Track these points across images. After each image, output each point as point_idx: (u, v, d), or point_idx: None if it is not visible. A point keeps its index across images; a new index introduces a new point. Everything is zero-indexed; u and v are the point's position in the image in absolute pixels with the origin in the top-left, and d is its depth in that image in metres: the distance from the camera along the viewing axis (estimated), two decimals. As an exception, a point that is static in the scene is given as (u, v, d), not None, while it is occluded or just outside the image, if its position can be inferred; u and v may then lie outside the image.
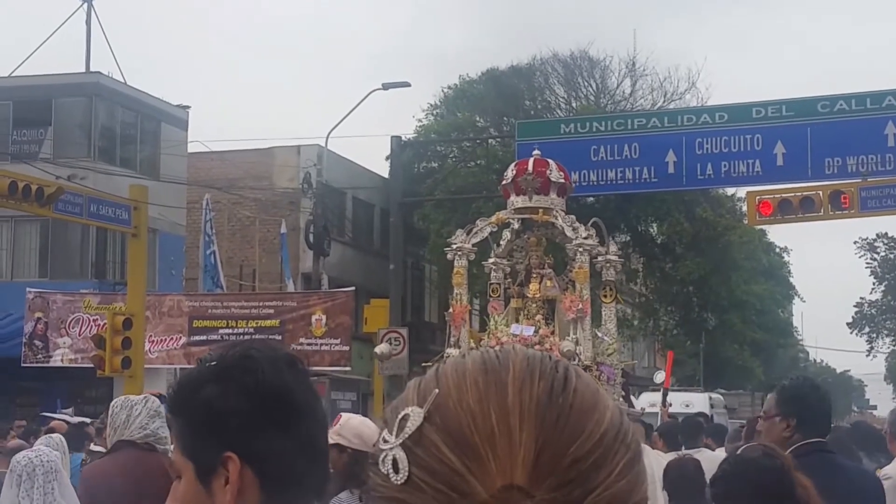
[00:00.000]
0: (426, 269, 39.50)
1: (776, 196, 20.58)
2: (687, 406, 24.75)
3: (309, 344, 25.51)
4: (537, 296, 13.52)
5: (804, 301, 60.78)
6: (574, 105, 39.59)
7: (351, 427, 5.58)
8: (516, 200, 13.68)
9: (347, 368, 25.83)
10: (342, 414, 5.94)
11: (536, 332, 13.00)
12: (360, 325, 28.31)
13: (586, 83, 40.68)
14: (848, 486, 4.81)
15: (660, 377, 22.68)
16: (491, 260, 14.31)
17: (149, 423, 5.46)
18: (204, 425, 2.05)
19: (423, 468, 1.06)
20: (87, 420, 14.75)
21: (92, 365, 20.21)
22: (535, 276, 13.68)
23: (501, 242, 14.32)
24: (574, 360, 12.54)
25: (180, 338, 26.49)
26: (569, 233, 13.50)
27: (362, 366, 28.86)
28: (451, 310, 14.00)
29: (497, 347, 1.18)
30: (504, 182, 13.96)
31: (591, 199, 33.30)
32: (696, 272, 38.81)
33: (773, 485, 3.75)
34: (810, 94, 24.12)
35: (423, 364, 17.12)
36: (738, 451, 4.34)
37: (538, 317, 13.33)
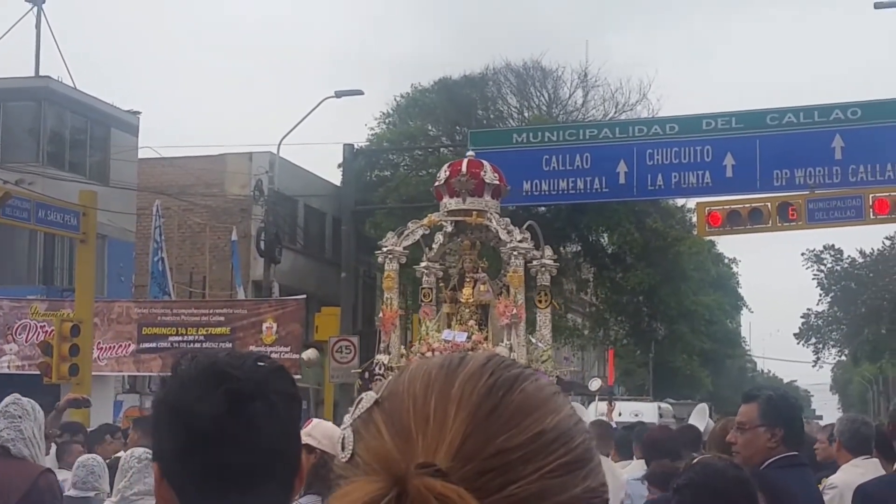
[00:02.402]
0: (378, 277, 39.44)
1: (725, 207, 20.78)
2: (636, 415, 24.89)
3: (259, 351, 25.39)
4: (470, 300, 13.17)
5: (752, 312, 61.41)
6: (526, 115, 39.73)
7: (322, 429, 5.61)
8: (449, 202, 13.31)
9: (298, 377, 25.70)
10: (313, 418, 5.97)
11: (469, 338, 12.71)
12: (311, 333, 28.22)
13: (539, 93, 40.85)
14: (819, 500, 4.94)
15: (595, 384, 22.81)
16: (423, 264, 13.97)
17: (0, 422, 5.43)
18: (153, 434, 2.17)
19: (364, 447, 1.11)
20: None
21: (39, 372, 20.00)
22: (468, 280, 13.31)
23: (434, 246, 13.92)
24: None
25: (129, 345, 26.27)
26: (503, 236, 13.20)
27: (313, 374, 28.77)
28: (381, 314, 13.72)
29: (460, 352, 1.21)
30: (437, 183, 13.58)
31: (543, 208, 33.42)
32: (646, 282, 39.03)
33: (739, 496, 3.77)
34: (760, 107, 24.32)
35: (353, 371, 17.03)
36: (700, 461, 4.35)
37: (471, 322, 13.02)
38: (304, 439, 5.46)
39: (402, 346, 13.52)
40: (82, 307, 20.56)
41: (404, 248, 13.65)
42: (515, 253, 13.13)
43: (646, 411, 27.66)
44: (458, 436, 1.08)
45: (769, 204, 20.37)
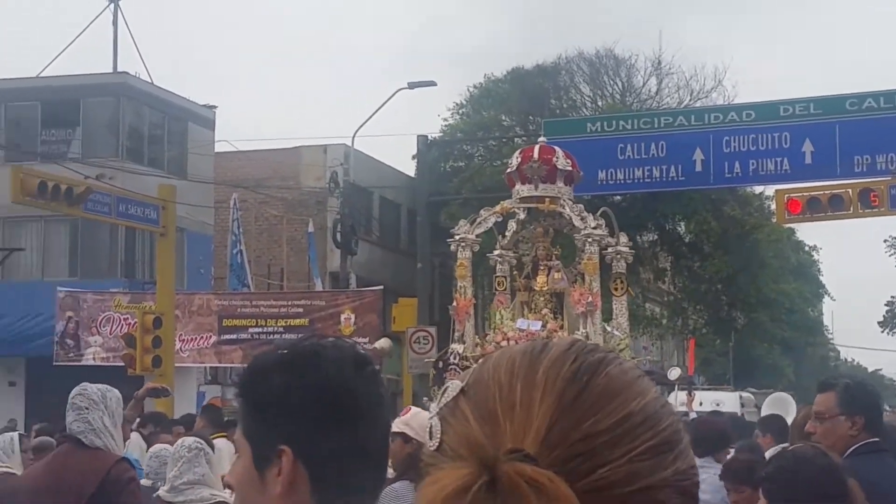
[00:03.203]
0: (453, 267, 39.49)
1: (805, 194, 20.46)
2: (717, 405, 24.64)
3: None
4: (545, 289, 13.06)
5: (834, 300, 60.44)
6: (600, 104, 39.50)
7: (420, 420, 5.68)
8: (522, 189, 13.16)
9: (378, 367, 25.86)
10: (411, 406, 6.15)
11: (544, 326, 12.59)
12: (389, 323, 28.34)
13: (612, 82, 40.56)
14: None
15: (675, 373, 22.56)
16: (496, 252, 13.84)
17: (69, 415, 5.38)
18: (265, 414, 2.05)
19: (451, 435, 1.12)
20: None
21: (123, 364, 20.34)
22: (542, 267, 13.19)
23: (507, 234, 13.76)
24: None
25: (210, 336, 26.60)
26: (577, 222, 13.06)
27: (391, 365, 28.89)
28: (454, 303, 13.57)
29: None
30: (509, 170, 13.42)
31: (618, 197, 33.20)
32: (724, 271, 38.61)
33: (829, 484, 3.74)
34: (839, 92, 23.96)
35: (426, 360, 16.99)
36: (790, 450, 4.32)
37: (545, 311, 12.92)
38: (402, 428, 5.61)
39: (476, 336, 13.38)
40: (164, 299, 20.86)
41: (476, 236, 13.54)
42: (590, 240, 12.98)
43: (727, 401, 27.37)
44: (544, 421, 1.09)
45: (850, 190, 20.02)
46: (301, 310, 26.62)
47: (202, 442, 5.92)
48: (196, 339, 26.58)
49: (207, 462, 5.69)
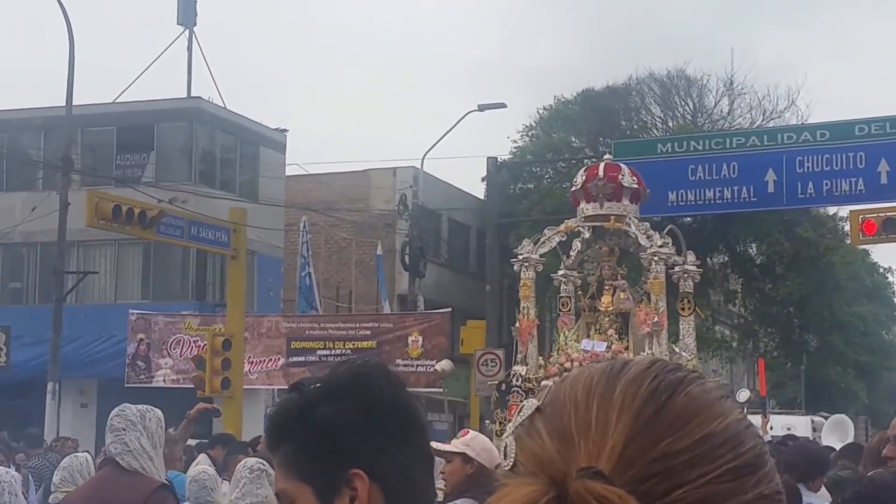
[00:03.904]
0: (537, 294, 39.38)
1: (880, 215, 20.11)
2: (788, 429, 24.23)
3: (405, 365, 25.58)
4: (610, 309, 12.89)
5: (910, 323, 59.36)
6: (671, 124, 39.23)
7: (481, 442, 5.84)
8: (586, 208, 12.99)
9: (443, 390, 25.84)
10: (468, 430, 6.21)
11: (609, 347, 12.46)
12: (457, 346, 28.29)
13: (683, 102, 40.29)
14: None
15: (744, 395, 22.25)
16: (560, 272, 13.67)
17: (107, 437, 5.20)
18: (323, 444, 2.00)
19: (525, 454, 1.09)
20: (191, 442, 14.91)
21: (192, 385, 20.49)
22: (607, 287, 13.02)
23: (571, 253, 13.60)
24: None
25: (279, 359, 26.74)
26: (643, 241, 12.88)
27: (458, 387, 28.84)
28: (517, 325, 13.42)
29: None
30: (573, 188, 13.25)
31: (689, 219, 32.92)
32: (796, 293, 38.09)
33: None
34: (915, 111, 23.57)
35: (489, 383, 16.83)
36: (868, 475, 4.23)
37: (611, 331, 12.77)
38: (462, 448, 5.68)
39: (540, 357, 13.23)
40: (233, 322, 21.00)
41: (540, 256, 13.37)
42: (656, 259, 12.80)
43: (798, 425, 26.94)
44: (620, 440, 1.05)
45: (927, 211, 19.65)
46: (369, 332, 26.68)
47: (265, 463, 5.78)
48: (265, 361, 26.73)
49: (270, 484, 5.56)
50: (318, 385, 2.08)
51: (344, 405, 2.02)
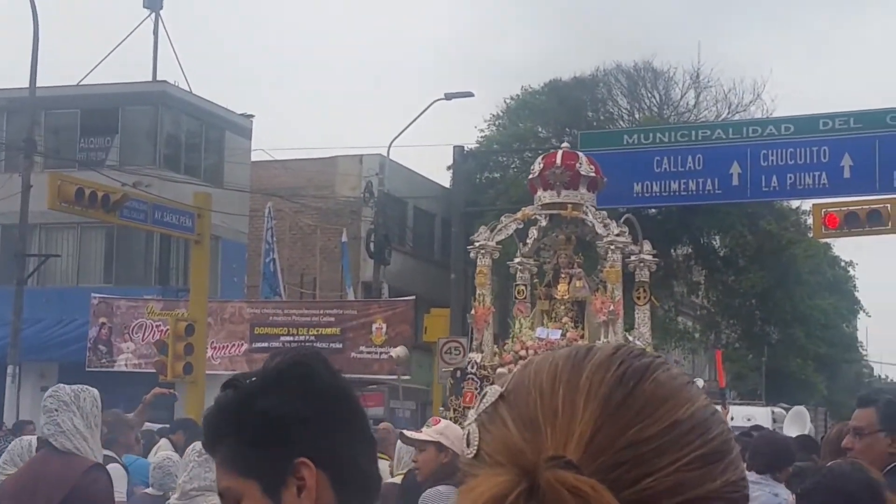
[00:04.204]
0: (494, 282, 39.44)
1: (843, 209, 20.28)
2: (748, 420, 24.42)
3: (369, 352, 25.58)
4: (566, 297, 12.82)
5: (869, 316, 59.95)
6: (637, 116, 39.39)
7: (454, 430, 5.86)
8: (543, 195, 12.96)
9: (407, 377, 25.87)
10: (439, 417, 6.42)
11: (564, 335, 12.40)
12: (421, 334, 28.31)
13: (650, 94, 40.45)
14: None
15: (699, 384, 22.38)
16: (517, 259, 13.62)
17: (41, 418, 5.14)
18: (266, 437, 1.98)
19: (490, 442, 1.07)
20: (153, 427, 14.84)
21: (154, 370, 20.41)
22: (563, 275, 12.95)
23: (528, 241, 13.53)
24: None
25: (242, 344, 26.67)
26: (600, 229, 12.83)
27: (422, 375, 28.87)
28: (473, 312, 13.30)
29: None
30: (531, 176, 13.22)
31: (653, 210, 33.07)
32: (759, 285, 38.36)
33: (866, 500, 3.67)
34: (879, 107, 23.73)
35: (443, 370, 16.79)
36: (828, 466, 4.26)
37: (566, 319, 12.70)
38: (436, 437, 5.71)
39: (495, 345, 13.14)
40: (196, 307, 20.91)
41: (497, 244, 13.30)
42: (613, 247, 12.76)
43: (759, 416, 27.12)
44: (588, 428, 1.04)
45: (889, 205, 19.80)
46: (333, 319, 26.64)
47: None
48: (228, 346, 26.65)
49: None
50: (254, 379, 2.05)
51: (284, 395, 2.00)
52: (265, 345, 26.50)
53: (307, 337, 26.28)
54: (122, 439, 8.88)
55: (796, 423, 15.71)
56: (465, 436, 1.11)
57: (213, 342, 25.01)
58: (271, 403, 1.99)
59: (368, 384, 28.29)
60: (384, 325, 26.00)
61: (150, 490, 7.33)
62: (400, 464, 7.10)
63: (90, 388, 5.27)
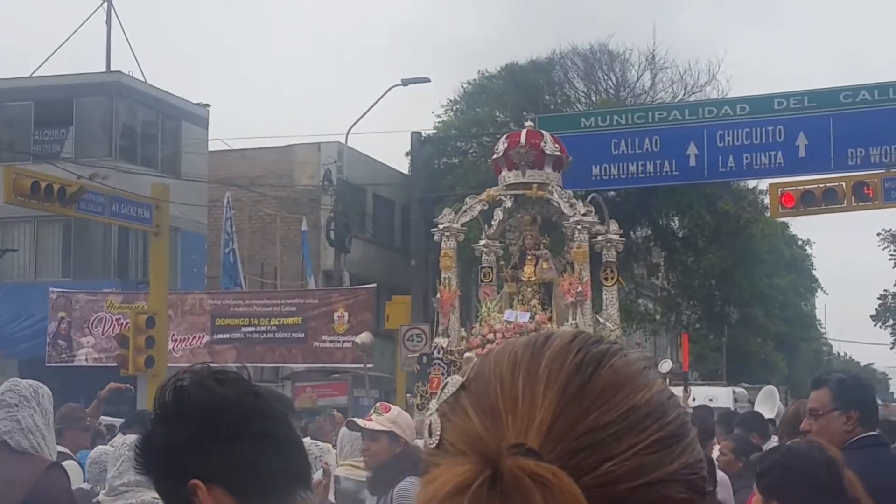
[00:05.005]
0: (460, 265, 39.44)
1: (799, 188, 20.43)
2: (710, 400, 24.56)
3: (332, 341, 25.53)
4: (532, 279, 12.76)
5: (827, 294, 60.48)
6: (594, 99, 39.48)
7: (405, 419, 5.73)
8: (508, 176, 12.82)
9: (370, 365, 25.85)
10: (387, 404, 6.05)
11: (532, 318, 12.34)
12: (383, 321, 28.29)
13: (606, 77, 40.56)
14: None
15: (666, 366, 22.40)
16: (482, 242, 13.50)
17: None
18: (163, 468, 2.14)
19: (452, 431, 1.09)
20: (114, 421, 14.75)
21: (116, 364, 20.27)
22: (529, 257, 12.88)
23: (493, 223, 13.39)
24: None
25: (203, 336, 26.54)
26: (566, 209, 12.74)
27: (384, 363, 28.86)
28: (438, 296, 13.18)
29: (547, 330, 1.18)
30: (494, 156, 13.06)
31: (612, 192, 33.18)
32: (718, 266, 38.64)
33: (825, 477, 3.72)
34: (834, 85, 23.93)
35: (409, 356, 16.72)
36: (786, 444, 4.31)
37: (534, 301, 12.64)
38: (389, 427, 5.53)
39: (463, 329, 13.03)
40: (157, 299, 20.79)
41: (462, 226, 13.17)
42: (579, 227, 12.67)
43: (720, 396, 27.30)
44: (548, 415, 1.06)
45: (844, 184, 19.98)
46: (294, 308, 26.57)
47: None
48: (189, 338, 26.52)
49: None
50: (153, 416, 2.22)
51: (168, 426, 2.15)
52: (227, 336, 26.41)
53: (269, 327, 26.20)
54: (68, 434, 8.74)
55: (767, 402, 15.82)
56: (428, 426, 1.12)
57: (174, 334, 24.88)
58: (159, 437, 2.17)
59: (332, 373, 28.26)
60: (346, 314, 25.96)
61: (84, 485, 7.00)
62: (342, 452, 6.64)
63: (42, 384, 5.10)
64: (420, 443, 6.77)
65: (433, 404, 1.14)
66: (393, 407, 5.89)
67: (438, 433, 1.10)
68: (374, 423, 5.68)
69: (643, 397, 1.09)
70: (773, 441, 9.64)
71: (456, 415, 1.09)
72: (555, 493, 0.99)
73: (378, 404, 6.03)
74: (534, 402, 1.06)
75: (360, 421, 5.94)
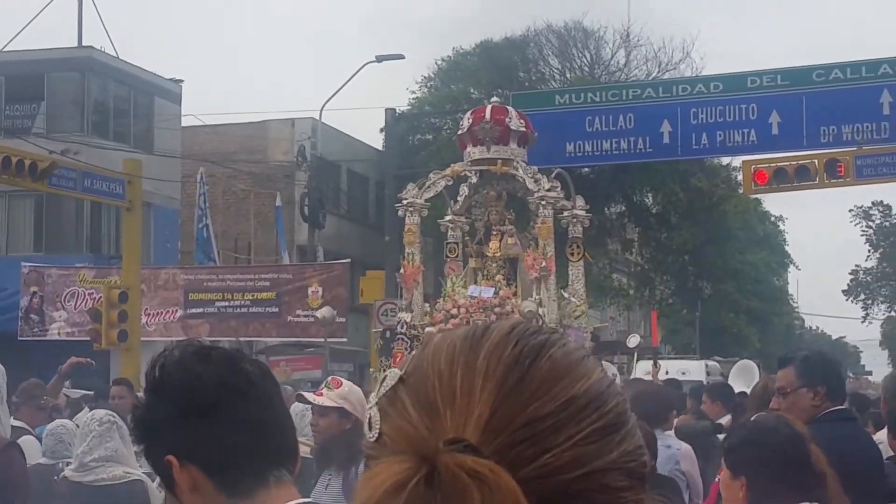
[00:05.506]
0: (427, 241, 39.54)
1: (772, 165, 20.55)
2: (683, 374, 24.78)
3: (306, 316, 25.51)
4: (497, 254, 12.69)
5: (799, 269, 60.91)
6: (568, 76, 39.49)
7: (357, 395, 5.46)
8: (473, 151, 12.73)
9: (344, 339, 25.88)
10: (339, 378, 5.75)
11: (497, 293, 12.27)
12: (357, 296, 28.30)
13: (580, 54, 40.57)
14: (874, 452, 5.07)
15: (634, 341, 22.45)
16: (447, 217, 13.42)
17: None
18: (146, 441, 2.21)
19: (391, 426, 1.09)
20: (88, 393, 14.75)
21: (88, 338, 20.23)
22: (494, 233, 12.80)
23: (459, 198, 13.32)
24: (536, 321, 11.92)
25: (176, 311, 26.48)
26: (531, 185, 12.64)
27: (359, 337, 28.90)
28: (402, 271, 13.05)
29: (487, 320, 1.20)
30: (460, 132, 12.97)
31: (586, 169, 33.25)
32: (691, 242, 38.85)
33: (791, 452, 3.77)
34: (806, 64, 24.02)
35: (374, 330, 16.67)
36: (752, 420, 4.37)
37: (498, 277, 12.56)
38: (340, 403, 5.28)
39: (426, 304, 12.96)
40: (129, 274, 20.73)
41: (426, 201, 13.08)
42: (544, 203, 12.58)
43: (693, 369, 27.53)
44: (486, 408, 1.05)
45: (816, 161, 20.10)
46: (268, 283, 26.53)
47: (114, 415, 5.44)
48: (162, 313, 26.46)
49: (121, 437, 5.25)
50: (143, 389, 2.29)
51: (148, 402, 2.21)
52: (200, 310, 26.35)
53: (242, 301, 26.17)
54: (24, 409, 8.70)
55: (742, 376, 15.85)
56: (367, 420, 1.11)
57: (147, 309, 24.80)
58: (141, 413, 2.23)
59: (306, 347, 28.29)
60: (320, 289, 25.94)
61: (42, 459, 6.87)
62: None
63: None
64: None
65: (372, 398, 1.13)
66: (345, 382, 5.60)
67: (378, 427, 1.10)
68: (325, 398, 5.40)
69: (581, 387, 1.09)
70: (726, 418, 9.78)
71: (394, 409, 1.09)
72: (492, 489, 0.99)
73: (329, 378, 5.74)
74: (472, 396, 1.06)
75: (309, 395, 5.65)
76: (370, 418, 1.11)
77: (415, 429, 1.06)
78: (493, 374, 1.07)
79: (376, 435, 1.10)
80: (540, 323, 11.65)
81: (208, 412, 2.14)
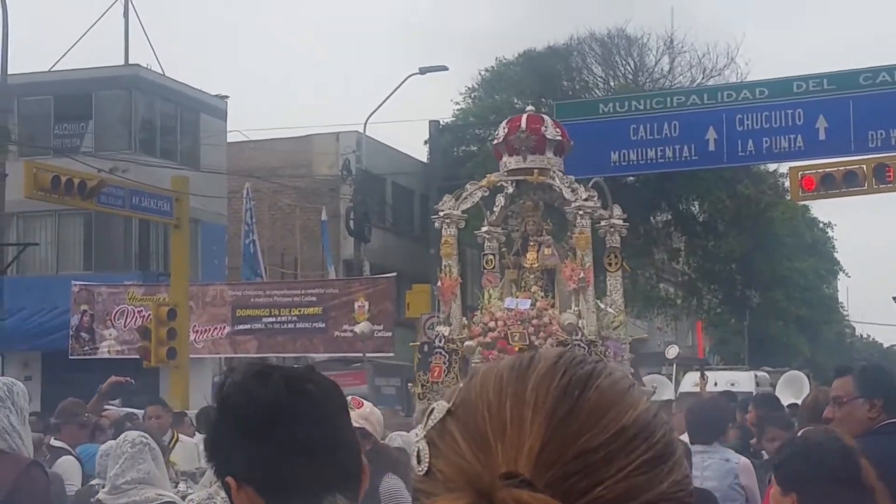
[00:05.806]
0: (467, 253, 39.48)
1: (819, 171, 20.34)
2: (732, 385, 24.52)
3: (352, 330, 25.54)
4: (535, 265, 12.61)
5: (849, 276, 60.15)
6: (612, 84, 39.34)
7: (377, 416, 5.54)
8: (509, 161, 12.64)
9: (391, 354, 25.89)
10: (359, 398, 5.72)
11: (533, 304, 12.18)
12: (403, 310, 28.29)
13: (624, 62, 40.39)
14: None
15: (672, 352, 22.20)
16: (484, 229, 13.30)
17: None
18: (214, 462, 2.27)
19: (441, 459, 1.09)
20: (136, 412, 14.80)
21: (138, 356, 20.36)
22: (532, 243, 12.74)
23: (495, 209, 13.22)
24: (576, 334, 11.49)
25: (224, 327, 26.61)
26: (567, 195, 12.53)
27: (405, 352, 28.89)
28: (439, 284, 12.97)
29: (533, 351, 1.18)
30: (495, 142, 12.87)
31: (631, 178, 33.10)
32: (738, 250, 38.51)
33: (841, 467, 3.70)
34: (853, 67, 23.80)
35: (411, 344, 16.52)
36: (801, 434, 4.30)
37: (535, 288, 12.48)
38: (361, 423, 5.22)
39: (464, 317, 12.83)
40: (178, 291, 20.87)
41: (463, 212, 12.96)
42: (581, 213, 12.45)
43: (742, 380, 27.22)
44: (537, 441, 1.06)
45: (864, 166, 19.88)
46: (315, 298, 26.61)
47: (146, 436, 5.41)
48: (210, 329, 26.59)
49: (153, 458, 5.21)
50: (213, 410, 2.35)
51: (216, 423, 2.26)
52: (248, 326, 26.48)
53: (289, 317, 26.25)
54: (66, 429, 8.68)
55: (789, 388, 15.53)
56: (416, 452, 1.11)
57: (195, 326, 24.96)
58: (210, 431, 2.31)
59: (352, 363, 28.32)
60: (366, 303, 25.97)
61: (95, 481, 6.75)
62: None
63: (18, 381, 4.93)
64: (389, 439, 6.62)
65: (419, 431, 1.13)
66: (366, 402, 5.62)
67: (427, 460, 1.10)
68: None
69: (630, 418, 1.09)
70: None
71: (444, 442, 1.09)
72: None
73: (350, 398, 5.83)
74: (522, 428, 1.06)
75: None
76: (419, 451, 1.11)
77: (468, 463, 1.06)
78: (543, 406, 1.07)
79: (426, 468, 1.10)
80: (579, 335, 11.59)
81: (264, 434, 2.16)
